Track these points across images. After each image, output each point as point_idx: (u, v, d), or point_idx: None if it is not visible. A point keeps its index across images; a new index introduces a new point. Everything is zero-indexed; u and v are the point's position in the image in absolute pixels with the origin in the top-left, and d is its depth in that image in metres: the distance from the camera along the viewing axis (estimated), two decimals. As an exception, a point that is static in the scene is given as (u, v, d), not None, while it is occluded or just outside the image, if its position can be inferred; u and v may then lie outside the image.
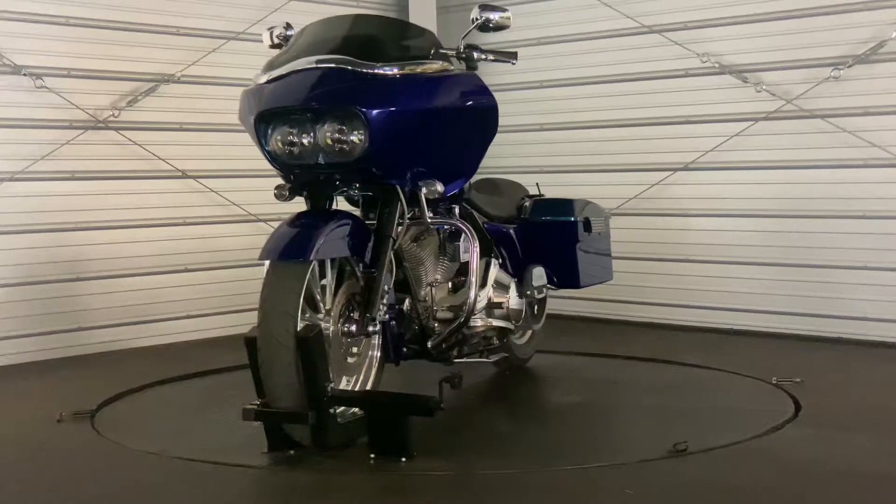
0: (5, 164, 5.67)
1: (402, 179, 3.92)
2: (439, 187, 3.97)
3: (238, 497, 3.44)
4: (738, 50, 6.16)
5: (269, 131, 3.89)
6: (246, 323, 6.48)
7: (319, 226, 3.69)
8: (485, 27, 4.05)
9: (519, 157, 6.77)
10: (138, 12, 6.14)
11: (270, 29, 4.31)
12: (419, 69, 3.87)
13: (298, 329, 3.55)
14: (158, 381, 5.05)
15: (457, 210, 4.38)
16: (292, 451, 3.71)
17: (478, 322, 4.35)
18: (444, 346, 4.21)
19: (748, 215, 6.20)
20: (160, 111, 6.24)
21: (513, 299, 4.60)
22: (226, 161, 6.53)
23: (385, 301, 3.89)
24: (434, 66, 3.91)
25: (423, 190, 3.95)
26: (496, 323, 4.53)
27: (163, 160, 6.21)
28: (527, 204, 5.07)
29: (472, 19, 4.05)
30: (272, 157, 3.92)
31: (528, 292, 4.79)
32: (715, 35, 6.25)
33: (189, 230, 6.37)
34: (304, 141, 3.82)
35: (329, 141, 3.79)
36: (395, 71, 3.81)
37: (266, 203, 6.52)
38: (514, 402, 4.70)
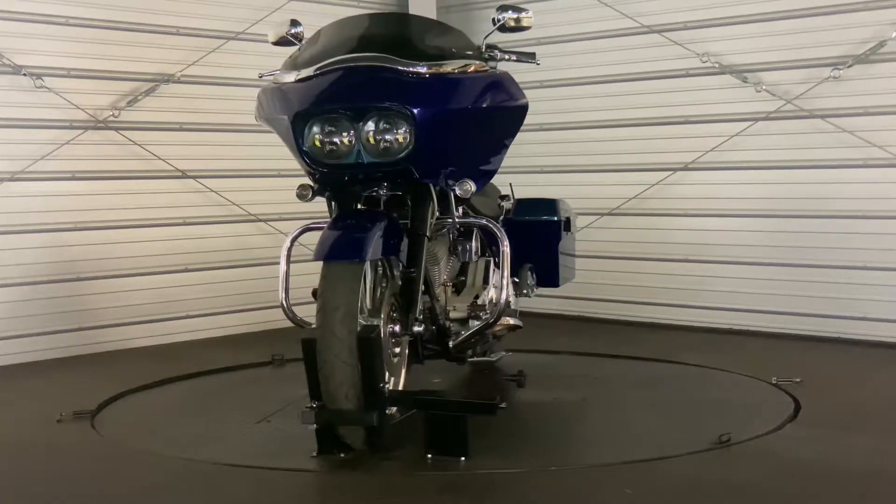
0: (5, 164, 5.67)
1: (437, 178, 3.92)
2: (472, 186, 3.97)
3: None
4: (738, 50, 6.17)
5: (307, 130, 3.82)
6: (246, 323, 6.57)
7: (368, 226, 3.68)
8: (507, 28, 4.06)
9: (518, 157, 6.74)
10: (138, 12, 6.14)
11: (279, 26, 4.23)
12: (460, 68, 3.87)
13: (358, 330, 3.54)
14: (158, 381, 5.05)
15: (460, 210, 4.38)
16: (343, 454, 3.67)
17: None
18: (464, 345, 4.22)
19: (748, 215, 6.20)
20: (160, 111, 6.24)
21: (512, 298, 4.63)
22: (226, 161, 6.53)
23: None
24: (473, 64, 3.92)
25: (457, 189, 3.95)
26: (511, 321, 4.55)
27: (163, 160, 6.21)
28: (503, 203, 5.06)
29: (495, 20, 4.05)
30: (309, 157, 3.85)
31: (524, 290, 4.81)
32: (715, 35, 6.25)
33: (189, 230, 6.37)
34: (345, 140, 3.77)
35: (372, 140, 3.76)
36: (439, 70, 3.80)
37: (266, 203, 6.61)
38: (518, 402, 4.70)
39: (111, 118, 6.04)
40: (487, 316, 4.16)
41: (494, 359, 5.03)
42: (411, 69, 3.76)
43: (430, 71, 3.78)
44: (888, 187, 5.68)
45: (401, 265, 3.84)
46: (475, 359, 4.85)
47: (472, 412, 3.69)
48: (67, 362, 5.67)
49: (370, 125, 3.75)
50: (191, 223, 6.38)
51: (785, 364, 5.08)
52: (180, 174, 6.31)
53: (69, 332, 5.85)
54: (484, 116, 3.98)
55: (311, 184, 4.00)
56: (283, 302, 4.13)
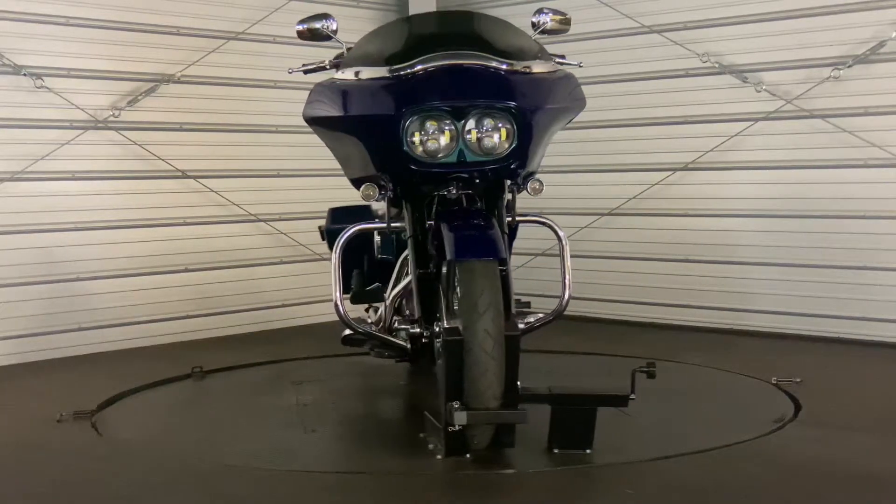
0: (5, 164, 5.67)
1: (518, 177, 3.93)
2: (541, 185, 3.99)
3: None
4: (738, 50, 6.16)
5: (408, 128, 3.72)
6: (246, 323, 6.56)
7: (491, 224, 3.70)
8: (547, 31, 4.08)
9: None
10: (138, 12, 6.14)
11: (314, 20, 4.14)
12: (546, 68, 3.90)
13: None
14: (158, 381, 5.05)
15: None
16: (468, 455, 3.62)
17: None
18: None
19: (748, 215, 6.20)
20: (160, 111, 6.24)
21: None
22: (226, 161, 6.53)
23: None
24: (548, 64, 3.94)
25: (529, 187, 3.97)
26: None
27: (163, 160, 6.21)
28: None
29: (536, 23, 4.08)
30: (408, 156, 3.75)
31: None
32: (715, 35, 6.25)
33: (189, 230, 6.37)
34: (448, 138, 3.73)
35: (475, 138, 3.73)
36: (531, 69, 3.82)
37: (266, 203, 6.61)
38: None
39: (111, 118, 6.03)
40: (558, 307, 4.14)
41: None
42: (514, 68, 3.78)
43: (528, 70, 3.81)
44: (888, 187, 5.68)
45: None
46: None
47: (605, 404, 3.71)
48: (67, 362, 5.67)
49: (475, 123, 3.73)
50: (191, 223, 6.38)
51: (785, 364, 5.08)
52: (180, 174, 6.30)
53: (69, 332, 5.85)
54: (561, 115, 4.01)
55: (386, 183, 3.93)
56: (338, 303, 4.03)
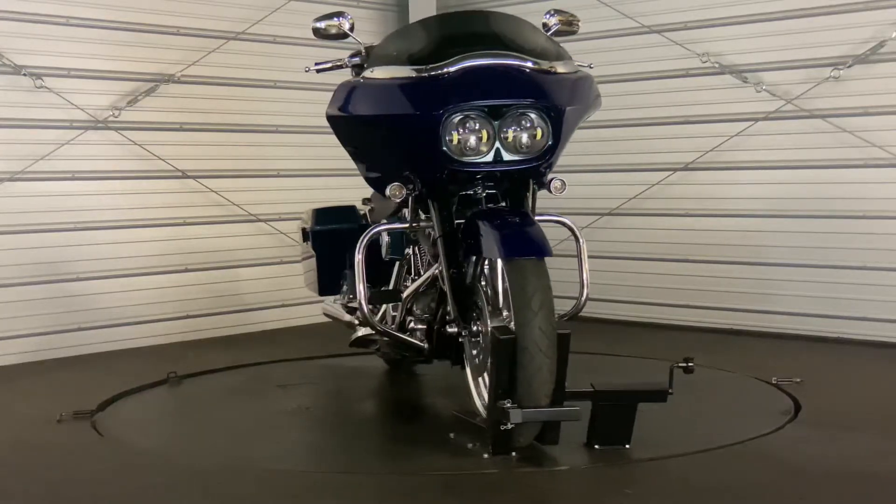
0: (5, 164, 5.67)
1: (543, 176, 3.96)
2: (562, 185, 4.00)
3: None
4: (738, 50, 6.17)
5: (447, 126, 3.72)
6: (246, 323, 6.56)
7: (534, 223, 3.72)
8: (558, 32, 4.11)
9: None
10: (138, 12, 6.14)
11: (332, 17, 4.12)
12: (569, 68, 3.91)
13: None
14: (158, 381, 5.05)
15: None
16: (514, 453, 3.63)
17: None
18: None
19: (748, 215, 6.20)
20: (160, 111, 6.24)
21: None
22: (226, 161, 6.54)
23: None
24: (570, 64, 3.96)
25: (551, 186, 3.98)
26: None
27: (163, 160, 6.21)
28: None
29: (547, 25, 4.11)
30: (446, 155, 3.74)
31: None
32: (715, 35, 6.25)
33: (189, 230, 6.37)
34: (486, 137, 3.74)
35: (511, 138, 3.76)
36: (559, 69, 3.85)
37: (266, 203, 6.61)
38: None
39: (111, 118, 6.04)
40: (575, 307, 4.14)
41: None
42: (544, 68, 3.81)
43: (554, 70, 3.83)
44: (888, 187, 5.68)
45: None
46: None
47: (645, 400, 3.74)
48: (67, 362, 5.67)
49: (513, 123, 3.75)
50: (191, 223, 6.38)
51: (785, 364, 5.08)
52: (180, 174, 6.31)
53: (69, 332, 5.86)
54: (585, 115, 4.04)
55: (414, 182, 3.92)
56: (363, 303, 4.02)
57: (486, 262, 3.76)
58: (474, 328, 3.82)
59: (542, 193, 4.03)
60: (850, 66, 5.75)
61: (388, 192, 3.92)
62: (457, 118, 3.70)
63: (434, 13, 7.22)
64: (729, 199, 6.28)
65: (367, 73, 3.92)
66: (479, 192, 3.89)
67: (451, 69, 3.71)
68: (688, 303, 6.41)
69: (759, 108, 6.09)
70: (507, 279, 3.58)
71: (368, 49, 4.10)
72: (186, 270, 6.36)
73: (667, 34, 6.41)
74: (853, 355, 5.51)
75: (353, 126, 4.06)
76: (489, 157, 3.76)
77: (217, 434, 4.22)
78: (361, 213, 5.04)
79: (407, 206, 4.07)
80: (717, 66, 6.22)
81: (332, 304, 5.17)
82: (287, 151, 6.78)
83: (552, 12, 4.14)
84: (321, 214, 5.06)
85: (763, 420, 4.09)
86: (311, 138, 6.88)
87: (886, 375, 5.08)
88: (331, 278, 5.03)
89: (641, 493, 3.32)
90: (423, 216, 4.07)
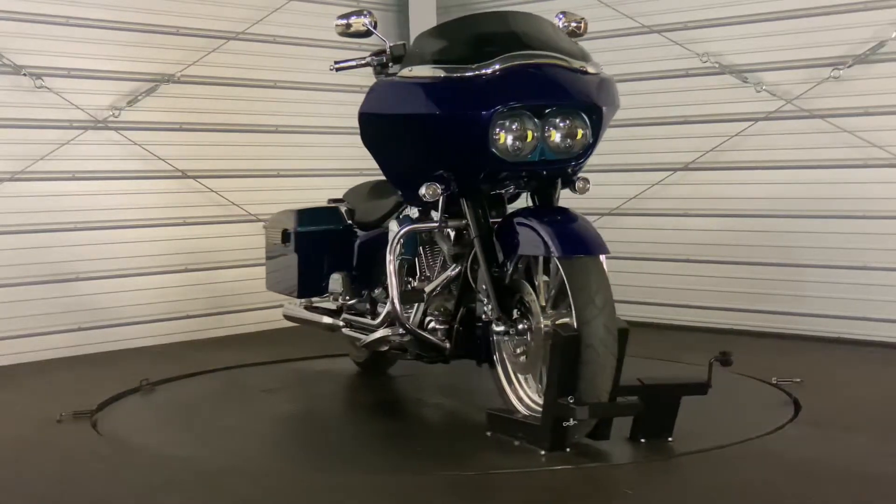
0: (5, 164, 5.67)
1: (575, 174, 4.00)
2: (585, 184, 4.05)
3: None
4: (738, 50, 6.16)
5: (495, 126, 3.74)
6: (246, 323, 6.55)
7: (583, 220, 3.76)
8: (569, 33, 4.14)
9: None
10: (138, 12, 6.14)
11: (357, 15, 4.14)
12: (596, 69, 3.96)
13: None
14: (158, 381, 5.04)
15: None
16: (567, 449, 3.64)
17: None
18: None
19: (748, 215, 6.20)
20: (160, 111, 6.24)
21: None
22: (226, 161, 6.54)
23: None
24: (595, 65, 3.99)
25: (578, 185, 4.03)
26: None
27: (163, 160, 6.22)
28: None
29: (561, 27, 4.15)
30: (492, 156, 3.77)
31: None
32: (715, 35, 6.25)
33: (189, 230, 6.37)
34: (532, 137, 3.77)
35: (554, 137, 3.80)
36: (594, 70, 3.92)
37: (266, 203, 6.60)
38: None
39: (111, 118, 6.04)
40: None
41: None
42: (582, 68, 3.87)
43: (598, 71, 3.91)
44: (888, 187, 5.68)
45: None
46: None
47: (687, 393, 3.79)
48: (67, 362, 5.67)
49: (558, 122, 3.80)
50: (191, 223, 6.38)
51: (785, 364, 5.07)
52: (180, 174, 6.31)
53: (69, 332, 5.86)
54: (614, 115, 4.07)
55: (450, 182, 3.93)
56: (397, 305, 4.07)
57: (531, 261, 3.81)
58: (520, 326, 3.83)
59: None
60: (850, 66, 5.75)
61: (422, 191, 3.94)
62: (505, 118, 3.74)
63: (434, 13, 7.23)
64: (729, 199, 6.28)
65: (405, 72, 3.93)
66: (511, 190, 3.99)
67: (498, 68, 3.74)
68: (688, 303, 6.40)
69: (759, 108, 6.09)
70: (565, 277, 3.61)
71: (393, 48, 4.11)
72: (186, 270, 6.36)
73: (667, 34, 6.41)
74: (853, 355, 5.50)
75: (389, 125, 4.04)
76: (535, 157, 3.81)
77: (217, 434, 4.21)
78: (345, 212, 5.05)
79: (435, 207, 4.07)
80: (717, 66, 6.22)
81: (296, 307, 5.19)
82: (287, 151, 6.78)
83: (562, 14, 4.17)
84: (304, 215, 5.04)
85: (763, 420, 4.09)
86: (312, 138, 6.89)
87: (886, 375, 5.08)
88: (311, 280, 5.00)
89: (642, 493, 3.32)
90: (436, 216, 4.09)
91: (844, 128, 5.77)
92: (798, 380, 4.67)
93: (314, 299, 5.11)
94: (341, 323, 4.82)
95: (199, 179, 6.38)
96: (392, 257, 4.07)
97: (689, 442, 3.78)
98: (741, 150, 6.18)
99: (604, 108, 3.88)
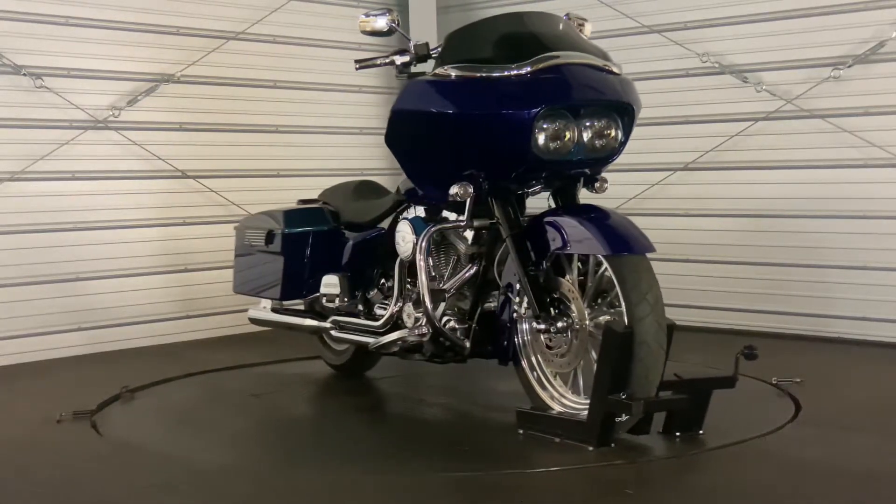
0: (5, 164, 5.67)
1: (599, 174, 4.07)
2: (603, 184, 4.10)
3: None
4: (738, 50, 6.17)
5: (535, 126, 3.77)
6: (246, 323, 6.53)
7: (626, 218, 3.81)
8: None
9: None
10: (138, 12, 6.14)
11: (373, 15, 4.16)
12: (619, 70, 3.99)
13: None
14: (158, 381, 5.04)
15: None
16: (612, 444, 3.66)
17: None
18: None
19: (748, 215, 6.20)
20: (160, 111, 6.24)
21: None
22: (226, 161, 6.54)
23: None
24: (618, 66, 4.03)
25: (597, 184, 4.08)
26: None
27: (163, 160, 6.22)
28: None
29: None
30: (532, 155, 3.81)
31: None
32: (715, 35, 6.25)
33: (189, 230, 6.37)
34: (571, 136, 3.84)
35: (591, 135, 3.87)
36: (618, 70, 3.96)
37: (266, 203, 6.57)
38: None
39: (111, 118, 6.04)
40: None
41: None
42: (612, 69, 3.93)
43: (618, 71, 3.95)
44: (888, 187, 5.68)
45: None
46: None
47: (718, 387, 3.86)
48: (67, 362, 5.67)
49: (597, 121, 3.87)
50: (191, 223, 6.38)
51: (785, 364, 5.07)
52: (180, 174, 6.31)
53: (69, 332, 5.85)
54: (639, 114, 4.11)
55: (481, 182, 3.95)
56: (428, 305, 4.07)
57: (562, 259, 3.85)
58: (559, 324, 3.85)
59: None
60: (850, 66, 5.75)
61: (454, 190, 3.95)
62: (546, 117, 3.79)
63: (434, 13, 7.23)
64: (729, 199, 6.28)
65: (440, 71, 3.94)
66: (538, 189, 4.03)
67: (538, 68, 3.78)
68: (688, 303, 6.40)
69: (759, 108, 6.09)
70: (615, 275, 3.67)
71: (416, 46, 4.12)
72: (186, 270, 6.36)
73: (667, 34, 6.41)
74: (853, 355, 5.50)
75: (426, 122, 4.02)
76: (573, 156, 3.87)
77: (217, 434, 4.21)
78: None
79: (457, 207, 4.10)
80: (717, 66, 6.22)
81: (264, 310, 5.18)
82: (287, 151, 6.78)
83: (566, 15, 4.19)
84: (291, 216, 5.03)
85: (763, 420, 4.09)
86: (311, 138, 6.89)
87: (886, 375, 5.08)
88: (295, 282, 4.97)
89: (642, 493, 3.32)
90: (453, 216, 4.12)
91: (844, 128, 5.77)
92: (798, 380, 4.67)
93: (284, 302, 5.09)
94: (329, 325, 4.79)
95: (198, 179, 6.38)
96: (422, 256, 4.10)
97: (690, 442, 3.78)
98: (741, 150, 6.18)
99: (634, 107, 3.95)
